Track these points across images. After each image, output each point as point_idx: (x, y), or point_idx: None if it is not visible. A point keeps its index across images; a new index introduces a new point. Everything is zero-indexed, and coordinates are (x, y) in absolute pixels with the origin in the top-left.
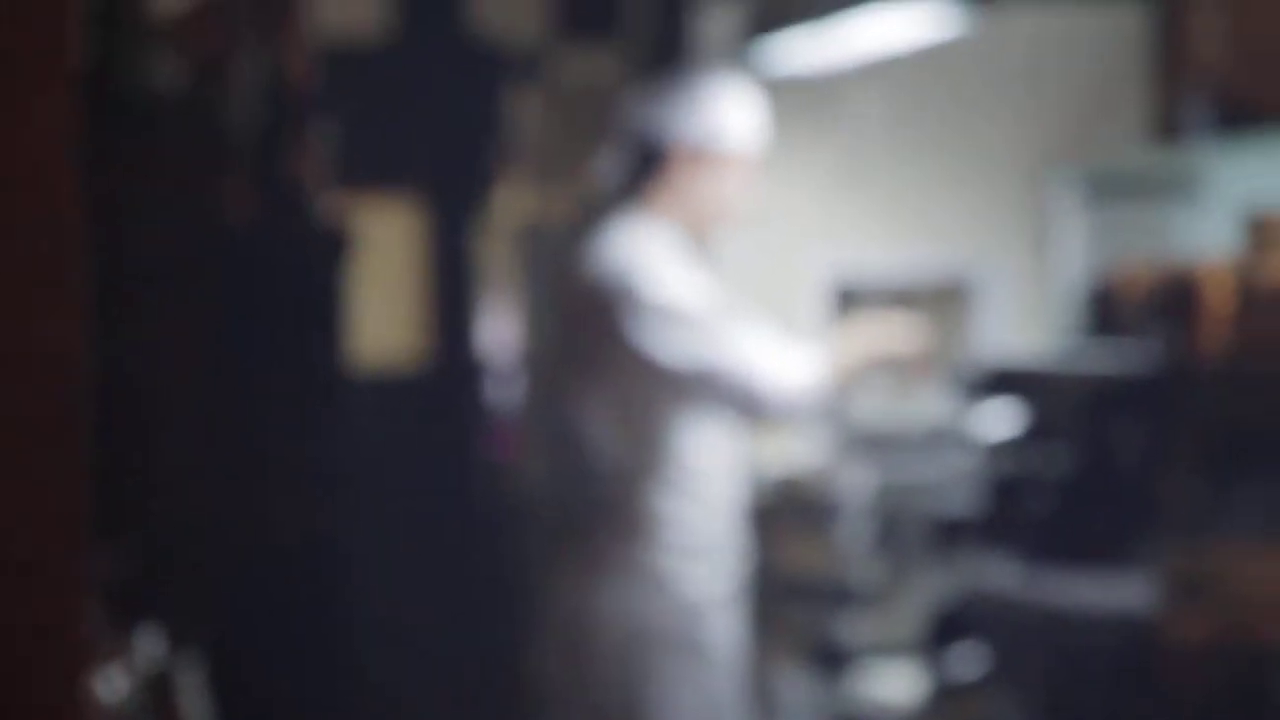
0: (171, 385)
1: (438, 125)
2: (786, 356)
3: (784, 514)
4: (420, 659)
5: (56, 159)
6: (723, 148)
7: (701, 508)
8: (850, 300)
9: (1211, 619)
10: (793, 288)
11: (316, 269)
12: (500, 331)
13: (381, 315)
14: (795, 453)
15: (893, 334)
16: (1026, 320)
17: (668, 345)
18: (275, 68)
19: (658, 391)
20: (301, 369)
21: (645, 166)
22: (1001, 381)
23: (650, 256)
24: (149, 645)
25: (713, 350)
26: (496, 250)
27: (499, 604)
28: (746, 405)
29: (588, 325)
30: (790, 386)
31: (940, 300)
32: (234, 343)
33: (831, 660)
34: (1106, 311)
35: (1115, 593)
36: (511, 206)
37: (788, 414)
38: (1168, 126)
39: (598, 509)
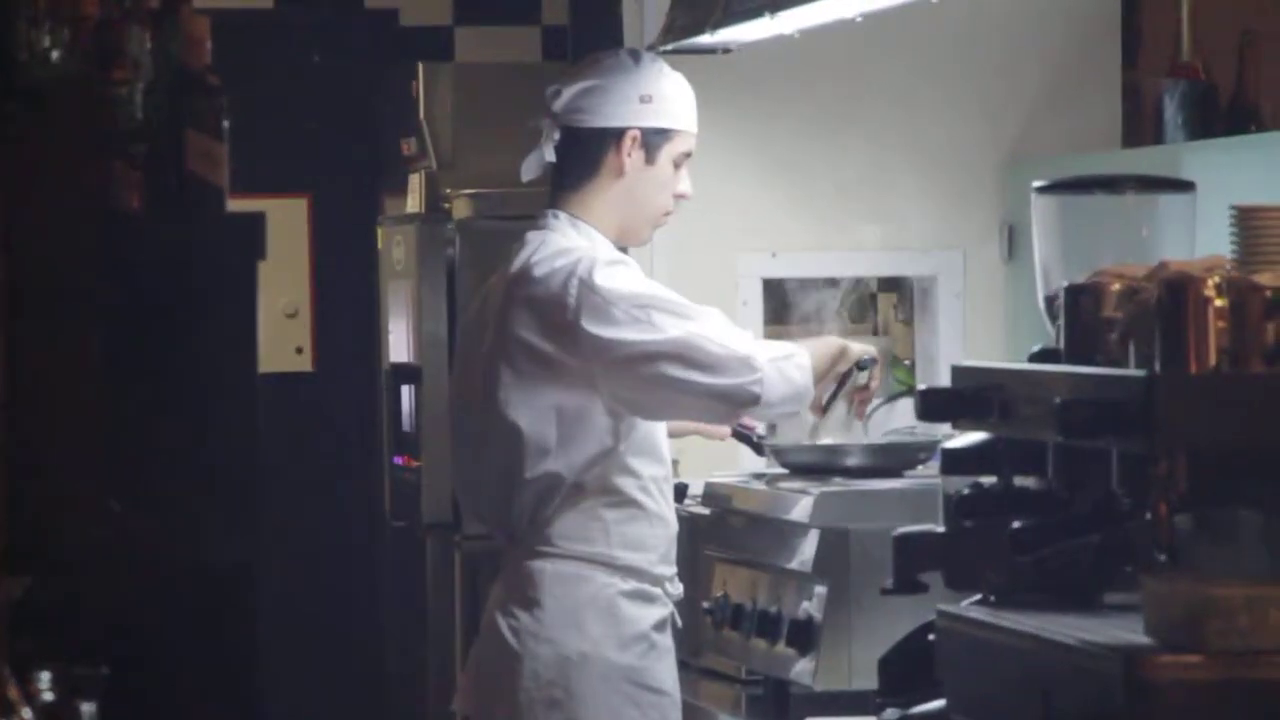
0: (57, 390)
1: (335, 107)
2: (764, 342)
3: (719, 532)
4: (329, 682)
5: None
6: (673, 133)
7: (650, 524)
8: (795, 299)
9: (1204, 656)
10: (728, 287)
11: (220, 261)
12: (404, 330)
13: (271, 310)
14: (730, 463)
15: (850, 345)
16: (993, 326)
17: (637, 328)
18: (169, 48)
19: (615, 393)
20: (207, 376)
21: (585, 159)
22: (964, 392)
23: (596, 249)
24: (50, 677)
25: (688, 322)
26: (399, 241)
27: (413, 625)
28: (738, 378)
29: (527, 324)
30: (780, 356)
31: (890, 303)
32: (126, 343)
33: (774, 695)
34: (1082, 318)
35: (1095, 628)
36: (416, 195)
37: (782, 390)
38: (1144, 120)
39: (534, 524)
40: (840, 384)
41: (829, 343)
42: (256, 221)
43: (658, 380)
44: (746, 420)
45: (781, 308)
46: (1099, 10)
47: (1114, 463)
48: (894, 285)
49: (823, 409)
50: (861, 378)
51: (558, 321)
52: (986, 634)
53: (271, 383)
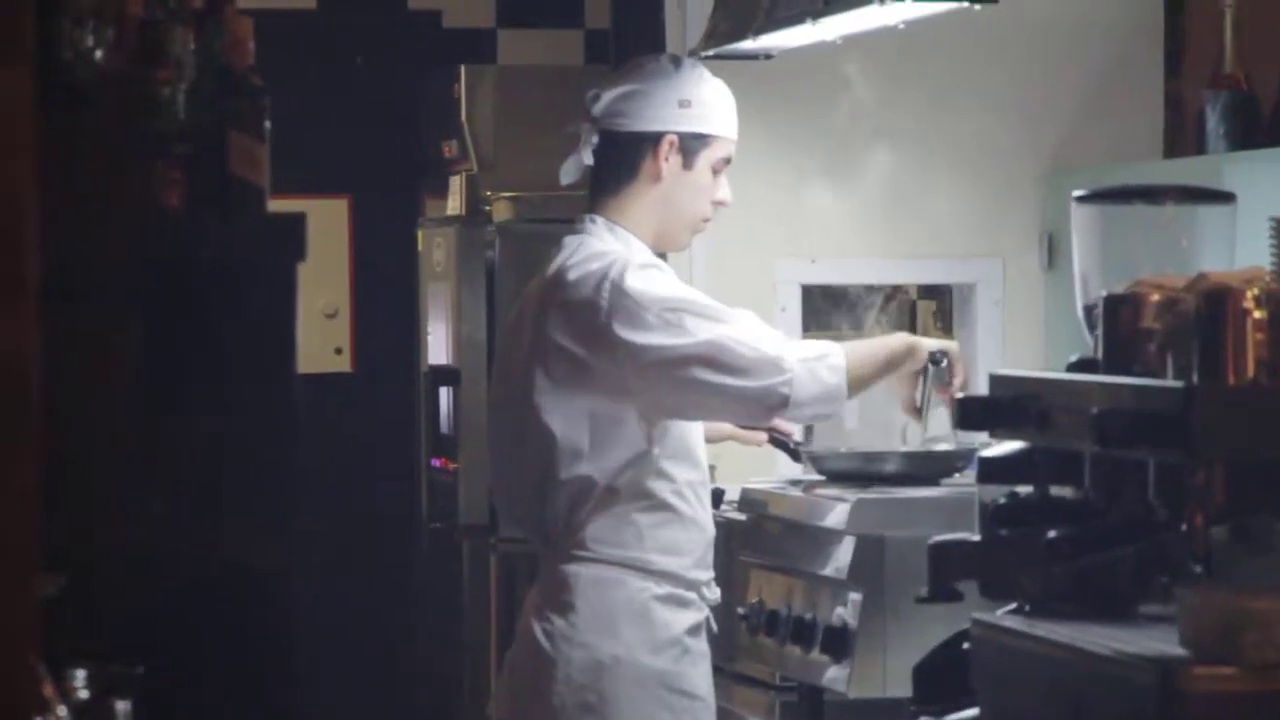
0: (96, 390)
1: (377, 109)
2: (800, 342)
3: (754, 538)
4: (364, 685)
5: (13, 143)
6: (711, 138)
7: (684, 528)
8: (832, 306)
9: (1239, 669)
10: (767, 292)
11: (261, 262)
12: (443, 332)
13: (310, 310)
14: (767, 469)
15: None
16: (1031, 336)
17: (668, 332)
18: (212, 48)
19: (649, 397)
20: (247, 377)
21: (623, 162)
22: (1002, 401)
23: (631, 253)
24: (85, 675)
25: (719, 325)
26: (439, 243)
27: (449, 628)
28: (767, 380)
29: (561, 328)
30: (812, 357)
31: (930, 310)
32: (166, 343)
33: (808, 701)
34: (1120, 328)
35: (1129, 639)
36: (457, 197)
37: (812, 390)
38: (1182, 131)
39: (569, 528)
40: (923, 382)
41: (892, 340)
42: (297, 222)
43: (689, 384)
44: (783, 426)
45: (821, 314)
46: (1141, 19)
47: (1151, 473)
48: (933, 293)
49: (917, 410)
50: (938, 373)
51: (591, 326)
52: (1021, 643)
53: (311, 383)
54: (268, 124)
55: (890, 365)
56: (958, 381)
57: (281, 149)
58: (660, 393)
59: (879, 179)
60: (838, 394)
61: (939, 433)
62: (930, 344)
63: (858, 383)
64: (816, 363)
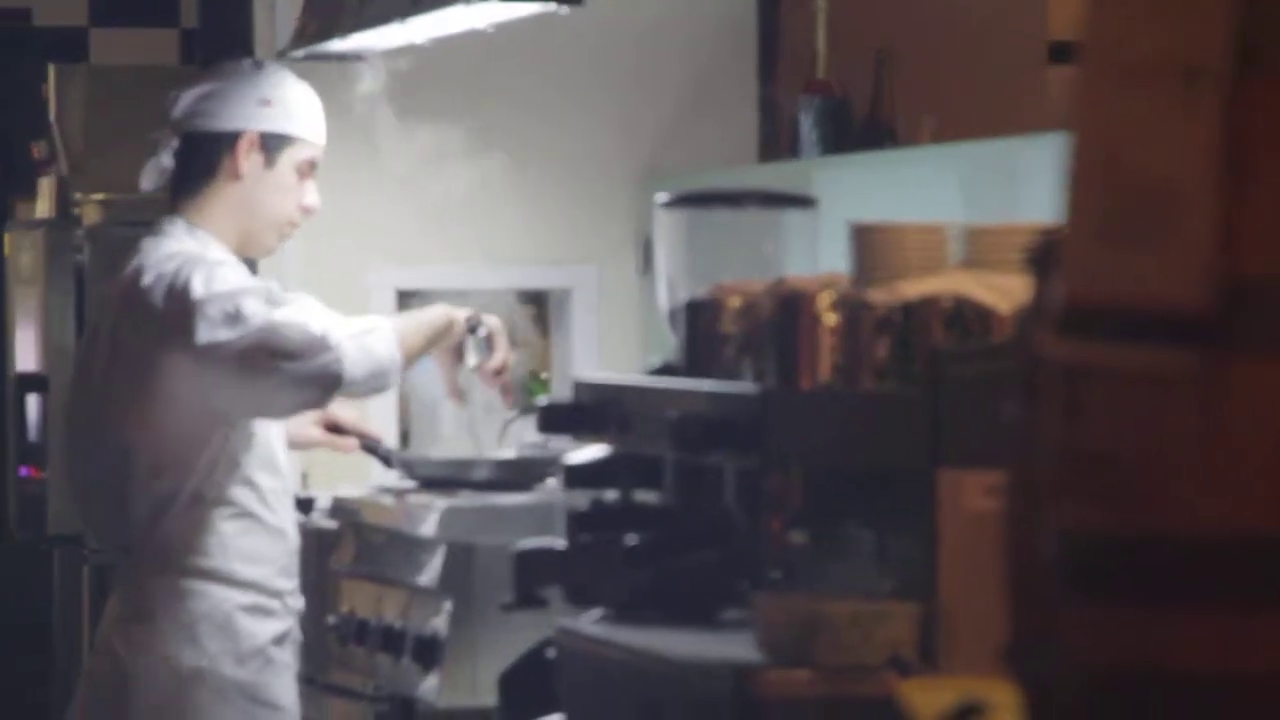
0: None
1: None
2: (353, 320)
3: (343, 545)
4: None
5: None
6: (294, 139)
7: (268, 537)
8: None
9: (812, 672)
10: (360, 298)
11: None
12: (30, 338)
13: None
14: (361, 476)
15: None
16: (627, 341)
17: (226, 324)
18: None
19: (220, 396)
20: None
21: (203, 162)
22: (584, 406)
23: (206, 255)
24: None
25: (273, 310)
26: (27, 246)
27: (36, 644)
28: (317, 360)
29: (136, 333)
30: (359, 332)
31: (529, 315)
32: None
33: (400, 711)
34: (700, 333)
35: (709, 644)
36: (46, 200)
37: (365, 365)
38: (777, 136)
39: (149, 537)
40: (464, 356)
41: (431, 313)
42: None
43: (253, 373)
44: (372, 431)
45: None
46: (735, 24)
47: (729, 478)
48: (534, 299)
49: (459, 391)
50: (476, 344)
51: (163, 330)
52: (603, 650)
53: None
54: None
55: (433, 338)
56: (499, 355)
57: None
58: (231, 389)
59: (474, 184)
60: (390, 366)
61: (484, 413)
62: (466, 315)
63: (409, 353)
64: (365, 336)
